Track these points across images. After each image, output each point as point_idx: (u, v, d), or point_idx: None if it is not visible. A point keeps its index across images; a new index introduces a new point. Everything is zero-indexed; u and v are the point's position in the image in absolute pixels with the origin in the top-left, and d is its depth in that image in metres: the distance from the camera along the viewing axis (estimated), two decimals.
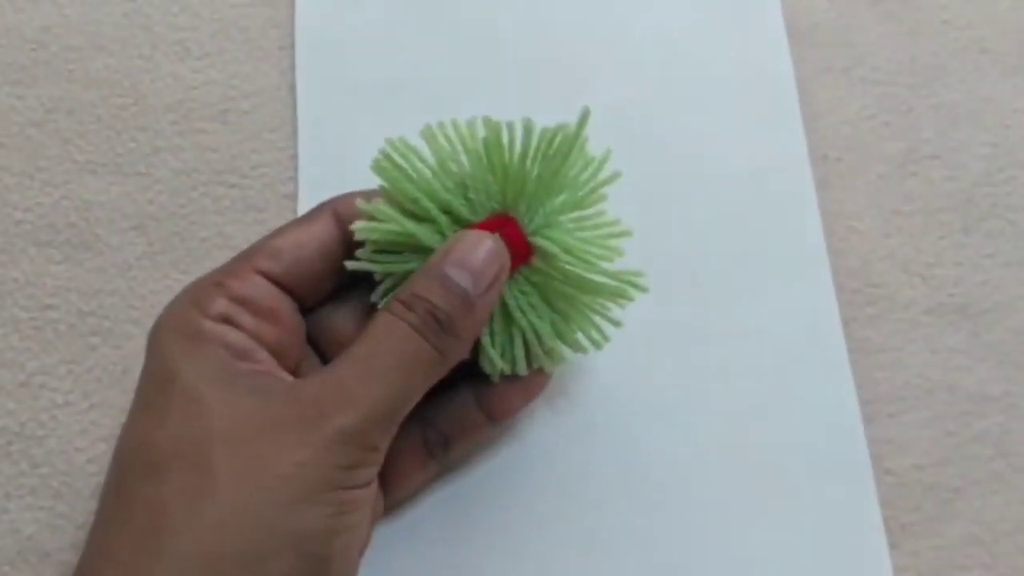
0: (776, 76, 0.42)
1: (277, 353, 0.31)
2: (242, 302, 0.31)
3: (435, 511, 0.35)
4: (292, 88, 0.42)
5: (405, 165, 0.32)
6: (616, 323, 0.34)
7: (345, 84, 0.42)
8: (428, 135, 0.33)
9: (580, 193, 0.33)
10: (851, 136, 0.42)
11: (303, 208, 0.39)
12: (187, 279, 0.39)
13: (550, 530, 0.35)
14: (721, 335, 0.38)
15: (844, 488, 0.36)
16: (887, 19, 0.44)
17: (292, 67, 0.42)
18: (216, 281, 0.31)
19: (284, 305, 0.32)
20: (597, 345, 0.34)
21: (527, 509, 0.35)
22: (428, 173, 0.32)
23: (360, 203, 0.32)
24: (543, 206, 0.32)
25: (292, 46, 0.42)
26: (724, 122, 0.42)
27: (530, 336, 0.33)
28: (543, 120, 0.32)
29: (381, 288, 0.33)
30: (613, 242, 0.34)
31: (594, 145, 0.33)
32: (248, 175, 0.41)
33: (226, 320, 0.30)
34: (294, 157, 0.41)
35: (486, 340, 0.33)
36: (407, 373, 0.30)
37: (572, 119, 0.32)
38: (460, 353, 0.31)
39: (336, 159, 0.40)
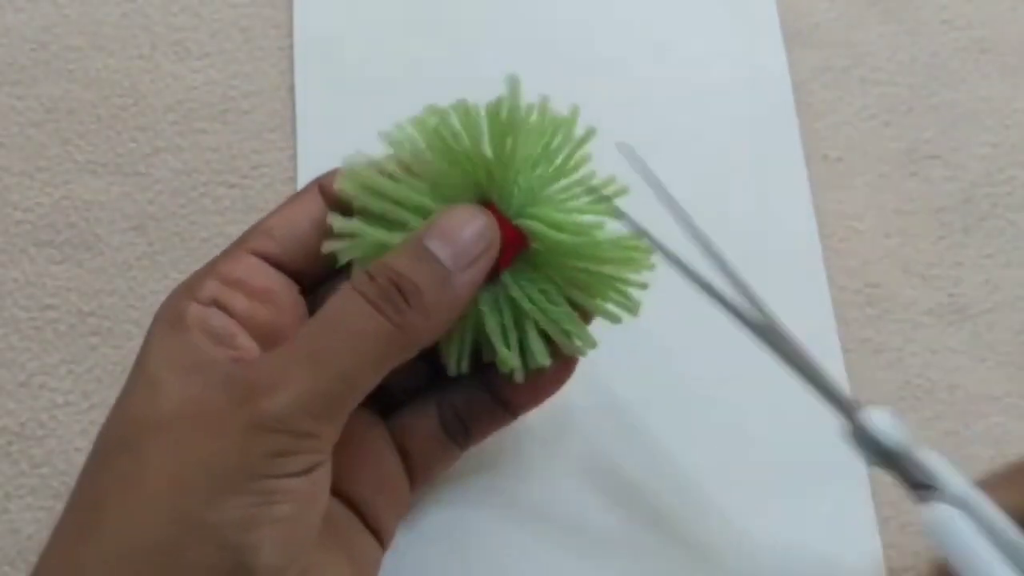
0: (772, 77, 0.42)
1: (272, 334, 0.30)
2: (234, 284, 0.30)
3: (441, 512, 0.35)
4: (292, 88, 0.42)
5: (368, 182, 0.31)
6: (642, 285, 0.32)
7: (344, 84, 0.42)
8: (390, 140, 0.31)
9: (557, 161, 0.31)
10: (851, 136, 0.42)
11: None
12: None
13: (552, 531, 0.35)
14: (717, 335, 0.38)
15: (841, 488, 0.36)
16: (887, 19, 0.44)
17: (292, 67, 0.42)
18: (210, 266, 0.31)
19: (279, 285, 0.31)
20: (630, 311, 0.32)
21: (529, 510, 0.36)
22: (391, 184, 0.31)
23: (333, 219, 0.31)
24: (517, 185, 0.31)
25: (292, 46, 0.42)
26: (720, 123, 0.42)
27: (546, 324, 0.31)
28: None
29: None
30: (604, 205, 0.32)
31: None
32: (248, 175, 0.41)
33: (215, 303, 0.29)
34: (294, 157, 0.41)
35: (498, 340, 0.31)
36: (353, 353, 0.28)
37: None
38: (427, 333, 0.29)
39: (336, 159, 0.40)
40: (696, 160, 0.41)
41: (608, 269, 0.32)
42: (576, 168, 0.32)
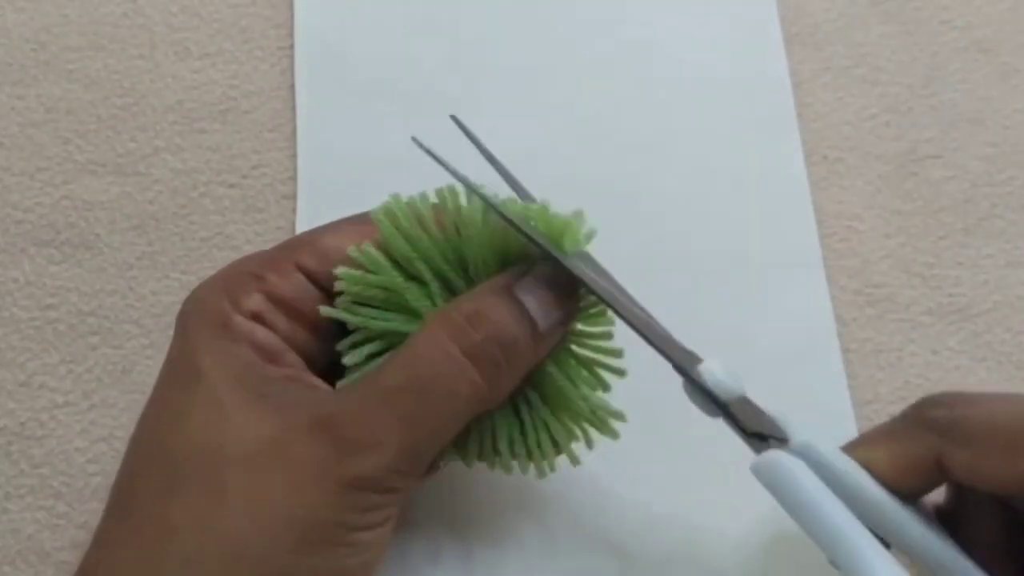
0: (772, 78, 0.42)
1: (308, 357, 0.30)
2: (277, 301, 0.30)
3: (445, 512, 0.35)
4: (292, 88, 0.42)
5: (406, 225, 0.30)
6: (589, 443, 0.32)
7: (344, 84, 0.42)
8: (442, 197, 0.30)
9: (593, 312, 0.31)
10: (851, 136, 0.42)
11: (303, 208, 0.40)
12: (187, 279, 0.39)
13: (550, 533, 0.35)
14: (716, 337, 0.38)
15: None
16: (887, 19, 0.44)
17: (292, 67, 0.42)
18: (255, 272, 0.30)
19: (319, 307, 0.30)
20: (571, 462, 0.32)
21: (533, 511, 0.36)
22: (426, 239, 0.30)
23: (352, 251, 0.30)
24: None
25: (292, 46, 0.42)
26: (720, 124, 0.42)
27: (542, 432, 0.31)
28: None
29: (349, 340, 0.31)
30: (606, 371, 0.31)
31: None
32: (248, 175, 0.41)
33: (257, 318, 0.29)
34: (294, 157, 0.41)
35: (505, 445, 0.30)
36: (446, 414, 0.27)
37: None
38: (506, 392, 0.29)
39: (335, 159, 0.40)
40: (696, 160, 0.41)
41: (577, 425, 0.31)
42: (601, 322, 0.31)
